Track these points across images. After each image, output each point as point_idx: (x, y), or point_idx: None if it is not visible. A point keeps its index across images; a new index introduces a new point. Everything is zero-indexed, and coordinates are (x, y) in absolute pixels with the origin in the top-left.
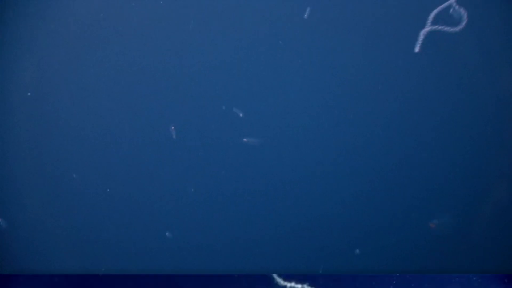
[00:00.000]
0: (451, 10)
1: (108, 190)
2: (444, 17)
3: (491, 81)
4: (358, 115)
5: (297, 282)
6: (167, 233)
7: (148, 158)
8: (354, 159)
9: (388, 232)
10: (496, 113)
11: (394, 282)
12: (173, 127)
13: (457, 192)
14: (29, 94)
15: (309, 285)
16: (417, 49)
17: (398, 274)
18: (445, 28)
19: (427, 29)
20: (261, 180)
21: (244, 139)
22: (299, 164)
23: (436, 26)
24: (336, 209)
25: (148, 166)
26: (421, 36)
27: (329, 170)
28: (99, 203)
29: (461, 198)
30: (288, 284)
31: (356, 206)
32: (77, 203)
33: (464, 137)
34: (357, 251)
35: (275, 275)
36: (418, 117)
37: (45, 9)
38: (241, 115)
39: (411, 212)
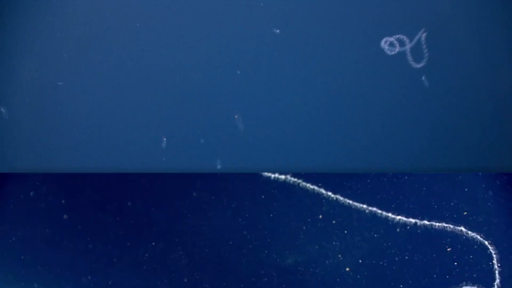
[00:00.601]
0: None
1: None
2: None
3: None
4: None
5: (280, 174)
6: (159, 136)
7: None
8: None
9: (375, 131)
10: None
11: (369, 180)
12: (165, 138)
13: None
14: (60, 83)
15: (292, 176)
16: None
17: (373, 174)
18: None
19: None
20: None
21: (236, 116)
22: (284, 66)
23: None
24: (323, 106)
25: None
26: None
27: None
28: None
29: (449, 94)
30: (272, 175)
31: (344, 105)
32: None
33: None
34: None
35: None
36: None
37: (45, 9)
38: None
39: (399, 112)
